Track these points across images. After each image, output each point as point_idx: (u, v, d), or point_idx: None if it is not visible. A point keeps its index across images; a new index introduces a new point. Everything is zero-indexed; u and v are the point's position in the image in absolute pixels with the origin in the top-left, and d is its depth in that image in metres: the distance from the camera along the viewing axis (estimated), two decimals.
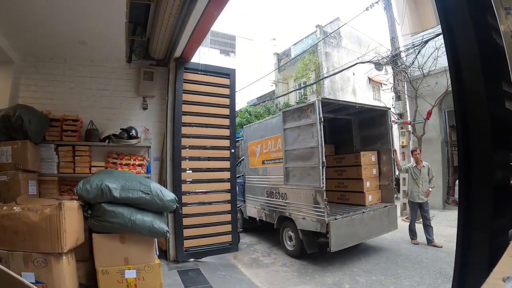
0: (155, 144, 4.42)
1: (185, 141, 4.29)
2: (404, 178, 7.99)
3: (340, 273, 4.02)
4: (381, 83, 12.78)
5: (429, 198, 5.52)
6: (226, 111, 4.61)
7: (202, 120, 4.44)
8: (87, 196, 2.70)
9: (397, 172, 8.24)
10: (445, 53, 0.90)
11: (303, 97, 14.12)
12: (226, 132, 4.58)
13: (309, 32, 14.37)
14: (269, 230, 5.83)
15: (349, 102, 5.75)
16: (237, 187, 4.92)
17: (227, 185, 4.54)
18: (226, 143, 4.57)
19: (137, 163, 4.15)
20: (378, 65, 9.12)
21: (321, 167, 4.12)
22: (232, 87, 4.68)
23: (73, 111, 4.02)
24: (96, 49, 3.93)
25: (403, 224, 6.56)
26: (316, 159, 4.21)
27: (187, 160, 4.34)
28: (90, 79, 4.24)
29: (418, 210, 5.36)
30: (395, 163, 5.22)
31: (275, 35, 23.68)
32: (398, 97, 8.35)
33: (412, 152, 5.62)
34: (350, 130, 5.94)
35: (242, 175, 6.53)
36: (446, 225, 6.52)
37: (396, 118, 7.99)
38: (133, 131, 4.14)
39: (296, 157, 4.65)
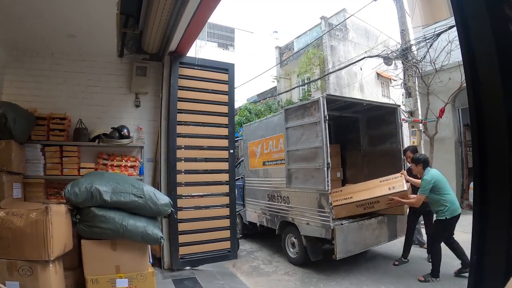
0: (148, 144, 4.42)
1: (180, 141, 4.29)
2: None
3: (346, 282, 4.02)
4: (390, 79, 12.78)
5: None
6: (224, 109, 4.61)
7: (199, 119, 4.44)
8: (76, 199, 2.70)
9: None
10: (459, 46, 0.90)
11: (306, 93, 14.12)
12: (225, 132, 4.58)
13: (313, 24, 14.39)
14: (270, 236, 5.83)
15: (356, 99, 5.76)
16: (236, 190, 4.92)
17: (225, 188, 4.54)
18: (225, 143, 4.57)
19: (129, 164, 4.15)
20: (387, 60, 9.12)
21: (326, 169, 4.12)
22: (231, 83, 4.69)
23: (60, 108, 4.02)
24: (86, 43, 3.93)
25: None
26: (320, 160, 4.20)
27: (183, 161, 4.34)
28: (79, 75, 4.24)
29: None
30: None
31: (277, 27, 23.64)
32: (408, 94, 8.35)
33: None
34: (357, 129, 5.93)
35: (242, 177, 6.53)
36: (460, 230, 6.47)
37: (407, 116, 7.99)
38: (125, 130, 4.14)
39: (299, 158, 4.65)
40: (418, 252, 5.13)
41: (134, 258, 2.87)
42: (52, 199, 3.68)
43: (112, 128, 4.12)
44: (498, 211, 0.82)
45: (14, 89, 3.97)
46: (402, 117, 6.19)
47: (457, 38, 0.91)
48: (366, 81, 13.50)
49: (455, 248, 4.05)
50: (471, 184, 7.42)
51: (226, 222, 4.48)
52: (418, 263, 4.59)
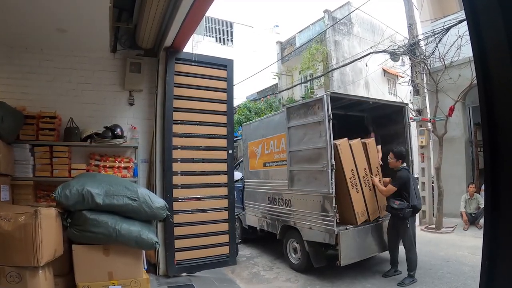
0: (143, 144, 4.42)
1: (176, 141, 4.29)
2: (423, 183, 8.01)
3: None
4: (397, 76, 12.78)
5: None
6: (223, 107, 4.61)
7: (196, 117, 4.44)
8: (67, 202, 2.70)
9: (415, 175, 8.24)
10: (469, 41, 0.90)
11: (309, 91, 14.12)
12: (223, 131, 4.58)
13: (316, 18, 14.38)
14: (271, 241, 5.83)
15: (361, 97, 5.76)
16: (235, 192, 4.92)
17: (224, 191, 4.54)
18: (223, 143, 4.57)
19: (122, 165, 4.15)
20: (394, 55, 9.11)
21: (329, 171, 4.12)
22: (229, 80, 4.69)
23: (50, 107, 4.02)
24: (77, 37, 3.93)
25: (422, 234, 6.56)
26: (324, 161, 4.21)
27: (179, 162, 4.34)
28: (70, 71, 4.24)
29: None
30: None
31: (278, 21, 23.66)
32: (416, 91, 8.35)
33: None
34: (363, 129, 5.93)
35: (241, 179, 6.53)
36: (470, 235, 6.52)
37: (414, 115, 7.99)
38: (118, 130, 4.14)
39: (301, 159, 4.65)
40: (427, 258, 5.13)
41: (128, 264, 2.88)
42: (42, 202, 3.69)
43: (104, 127, 4.12)
44: (511, 214, 0.82)
45: (2, 86, 3.97)
46: (410, 116, 6.20)
47: (468, 32, 0.91)
48: (372, 78, 13.50)
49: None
50: (482, 186, 7.42)
51: (225, 226, 4.48)
52: (426, 269, 4.58)
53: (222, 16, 20.12)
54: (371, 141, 4.85)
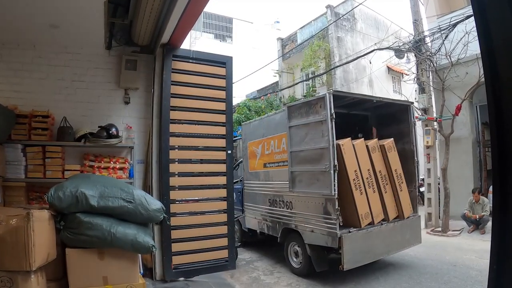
0: (139, 144, 4.42)
1: (173, 141, 4.29)
2: (429, 184, 8.01)
3: None
4: (402, 73, 12.76)
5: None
6: (221, 106, 4.62)
7: (194, 117, 4.45)
8: (60, 204, 2.70)
9: (421, 177, 8.25)
10: (476, 38, 0.90)
11: (311, 89, 14.11)
12: (222, 130, 4.59)
13: (318, 13, 14.39)
14: (271, 244, 5.83)
15: (365, 95, 5.74)
16: (234, 194, 4.92)
17: (222, 192, 4.55)
18: (222, 143, 4.58)
19: (118, 166, 4.15)
20: (399, 52, 9.13)
21: (332, 172, 4.12)
22: (228, 77, 4.69)
23: (43, 105, 4.02)
24: (71, 34, 3.94)
25: (428, 238, 6.56)
26: (326, 162, 4.21)
27: (176, 162, 4.34)
28: (63, 69, 4.24)
29: None
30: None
31: (279, 17, 23.66)
32: (422, 90, 8.35)
33: None
34: (367, 128, 5.93)
35: (241, 180, 6.54)
36: (477, 238, 6.52)
37: (420, 114, 7.99)
38: (113, 129, 4.14)
39: (303, 160, 4.65)
40: (433, 262, 5.14)
41: (123, 268, 2.88)
42: (34, 204, 3.69)
43: (99, 126, 4.12)
44: None
45: None
46: (415, 115, 6.20)
47: (475, 28, 0.91)
48: (376, 76, 13.49)
49: None
50: (490, 188, 7.42)
51: (224, 229, 4.48)
52: (432, 274, 4.59)
53: (221, 11, 20.13)
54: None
